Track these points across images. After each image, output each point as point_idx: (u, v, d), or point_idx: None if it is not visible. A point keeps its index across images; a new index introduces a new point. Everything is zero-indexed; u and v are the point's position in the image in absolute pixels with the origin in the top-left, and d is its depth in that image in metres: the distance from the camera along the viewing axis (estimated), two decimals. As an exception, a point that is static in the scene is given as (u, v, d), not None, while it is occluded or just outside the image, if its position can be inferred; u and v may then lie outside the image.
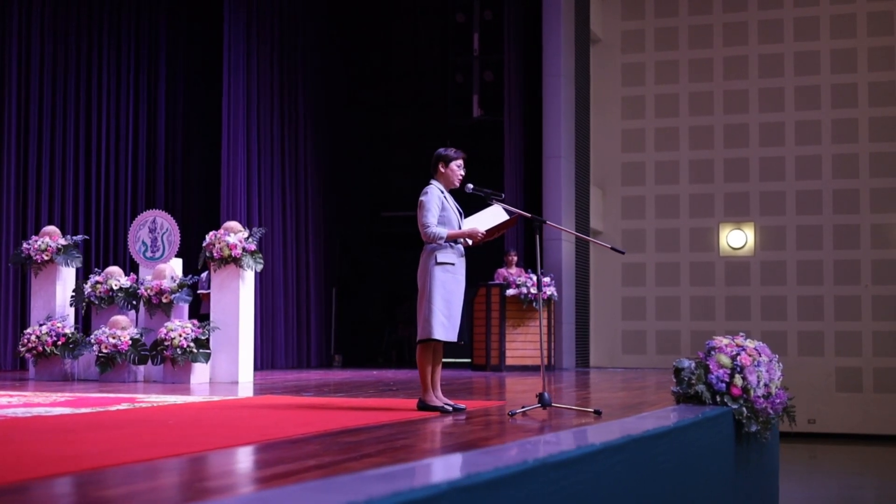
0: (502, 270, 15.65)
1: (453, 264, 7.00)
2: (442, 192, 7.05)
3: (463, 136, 19.62)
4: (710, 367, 5.52)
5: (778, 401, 6.16)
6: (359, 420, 6.23)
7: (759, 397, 5.57)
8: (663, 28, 20.35)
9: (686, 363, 5.67)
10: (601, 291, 20.21)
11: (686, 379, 5.54)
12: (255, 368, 15.46)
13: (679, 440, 4.53)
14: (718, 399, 5.45)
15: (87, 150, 15.82)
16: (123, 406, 7.18)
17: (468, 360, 16.30)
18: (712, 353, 5.64)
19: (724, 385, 5.45)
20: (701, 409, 5.31)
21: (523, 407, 6.86)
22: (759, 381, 5.69)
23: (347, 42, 19.62)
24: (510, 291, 15.20)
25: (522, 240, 16.88)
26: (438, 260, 6.95)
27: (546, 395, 6.83)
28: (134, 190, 16.34)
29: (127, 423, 5.87)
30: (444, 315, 6.92)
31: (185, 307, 11.57)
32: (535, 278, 15.09)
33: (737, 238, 19.74)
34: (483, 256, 18.04)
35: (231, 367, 11.39)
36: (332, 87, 18.69)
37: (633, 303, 20.23)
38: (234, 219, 14.94)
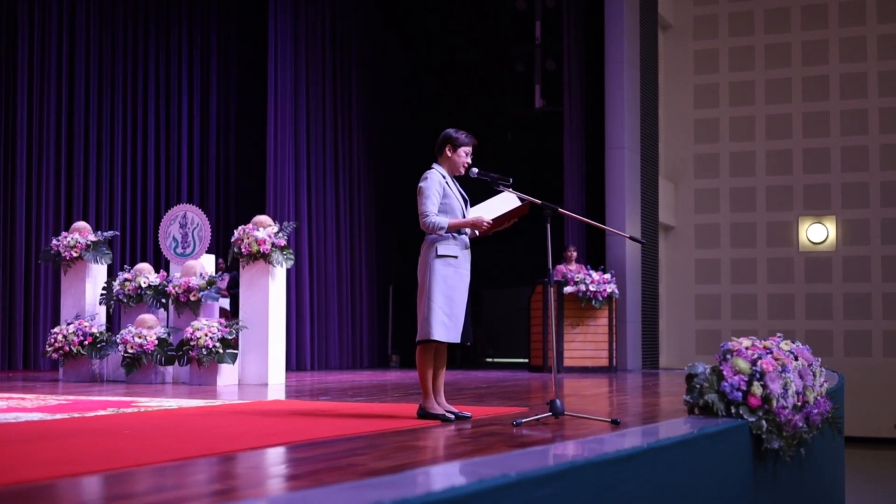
0: (561, 267, 14.91)
1: (456, 257, 6.31)
2: (444, 178, 6.37)
3: (524, 128, 18.92)
4: (725, 373, 4.76)
5: (816, 411, 5.37)
6: (346, 429, 5.60)
7: (783, 408, 4.79)
8: (738, 12, 19.37)
9: (700, 368, 4.91)
10: (673, 289, 19.32)
11: (697, 387, 4.79)
12: (308, 369, 15.03)
13: (670, 458, 3.81)
14: (733, 410, 4.69)
15: (132, 144, 15.50)
16: (102, 412, 6.65)
17: (526, 361, 15.59)
18: (728, 356, 4.88)
19: (739, 394, 4.69)
20: (711, 422, 4.56)
21: (536, 416, 6.16)
22: (786, 390, 4.91)
23: (402, 32, 19.01)
24: (567, 289, 14.45)
25: (584, 234, 16.11)
26: (439, 252, 6.28)
27: (558, 402, 6.12)
28: (178, 186, 15.97)
29: (76, 432, 5.31)
30: (446, 313, 6.25)
31: (215, 305, 11.06)
32: (594, 275, 14.37)
33: (817, 232, 18.69)
34: (541, 252, 17.31)
35: (260, 368, 10.85)
36: (387, 78, 18.10)
37: (707, 301, 19.30)
38: (282, 216, 14.47)
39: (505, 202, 6.45)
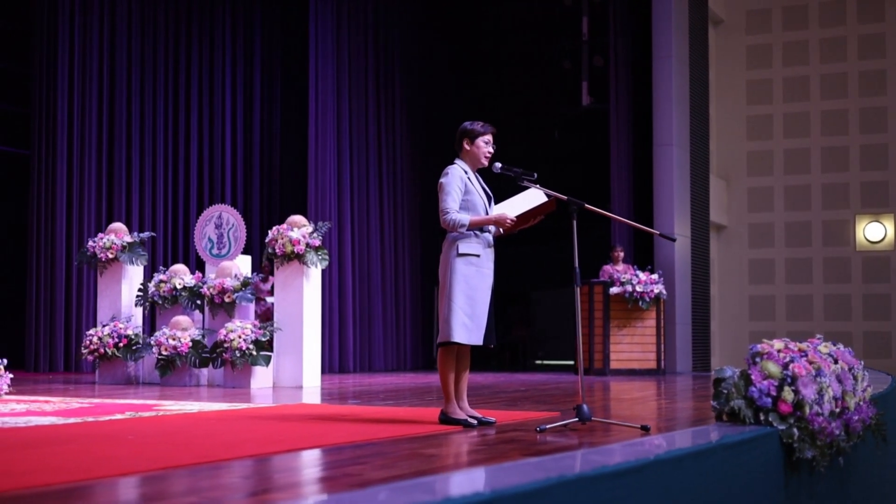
0: (608, 267, 14.58)
1: (478, 256, 6.05)
2: (466, 173, 6.11)
3: (571, 126, 18.59)
4: (753, 377, 4.44)
5: (857, 417, 5.04)
6: (360, 435, 5.37)
7: (817, 415, 4.46)
8: (792, 6, 18.87)
9: (729, 372, 4.60)
10: (725, 290, 18.89)
11: (724, 392, 4.48)
12: (351, 371, 14.84)
13: (681, 470, 3.52)
14: (762, 417, 4.37)
15: (174, 144, 15.42)
16: (118, 416, 6.47)
17: (571, 363, 15.26)
18: (757, 360, 4.56)
19: (769, 400, 4.37)
20: (736, 430, 4.25)
21: (562, 422, 5.89)
22: (822, 396, 4.58)
23: (447, 30, 18.75)
24: (614, 289, 14.12)
25: (632, 234, 15.75)
26: (460, 251, 6.02)
27: (585, 408, 5.85)
28: (221, 186, 15.86)
29: (74, 438, 5.12)
30: (467, 315, 5.98)
31: (250, 307, 10.88)
32: (641, 275, 14.03)
33: (875, 231, 18.15)
34: (589, 252, 16.95)
35: (295, 370, 10.66)
36: (431, 77, 17.85)
37: (761, 302, 18.83)
38: (324, 216, 14.30)
39: (530, 198, 6.17)
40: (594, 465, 3.21)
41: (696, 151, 16.53)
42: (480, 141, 6.16)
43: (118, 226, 11.81)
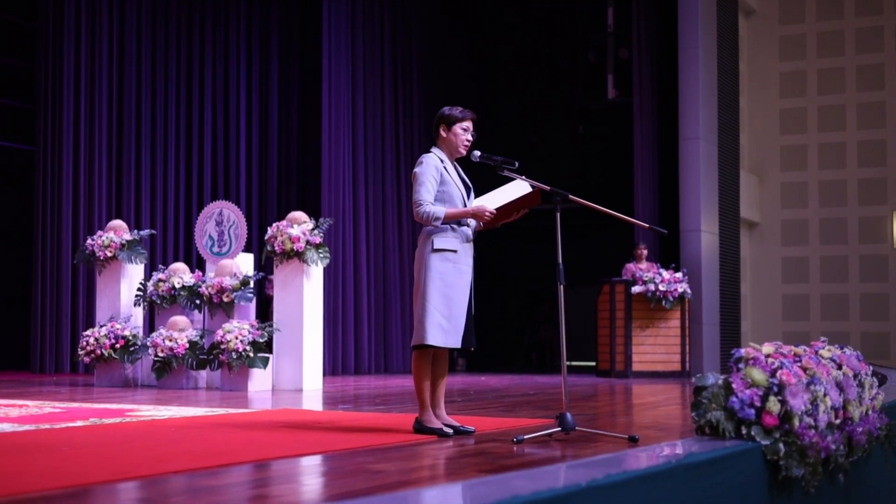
0: (631, 265, 14.07)
1: (455, 251, 5.61)
2: (442, 162, 5.66)
3: (597, 120, 18.08)
4: (735, 385, 3.95)
5: (861, 429, 4.54)
6: (319, 446, 4.96)
7: (808, 428, 3.97)
8: (826, -5, 18.25)
9: (712, 379, 4.11)
10: (757, 289, 18.29)
11: (704, 402, 3.99)
12: (366, 373, 14.43)
13: (649, 491, 3.06)
14: (744, 431, 3.88)
15: (186, 139, 15.08)
16: (79, 423, 6.08)
17: (593, 364, 14.77)
18: (741, 366, 4.08)
19: (752, 411, 3.87)
20: (712, 445, 3.77)
21: (541, 432, 5.43)
22: (816, 406, 4.09)
23: (466, 24, 18.25)
24: (636, 289, 13.60)
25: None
26: (436, 246, 5.58)
27: (569, 416, 5.38)
28: (236, 184, 15.50)
29: (12, 447, 4.73)
30: (443, 315, 5.54)
31: (249, 307, 10.48)
32: (664, 274, 13.52)
33: (913, 228, 17.49)
34: (610, 250, 16.45)
35: (295, 373, 10.26)
36: (450, 71, 17.37)
37: (795, 301, 18.22)
38: (338, 213, 13.92)
39: (513, 190, 5.71)
40: (538, 486, 2.76)
41: (724, 145, 15.95)
42: (458, 127, 5.71)
43: (117, 223, 11.46)
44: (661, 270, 13.66)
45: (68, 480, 3.69)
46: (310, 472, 4.11)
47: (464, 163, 5.85)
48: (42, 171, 13.54)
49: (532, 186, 5.67)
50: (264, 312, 12.86)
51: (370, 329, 14.82)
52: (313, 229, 10.26)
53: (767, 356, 4.15)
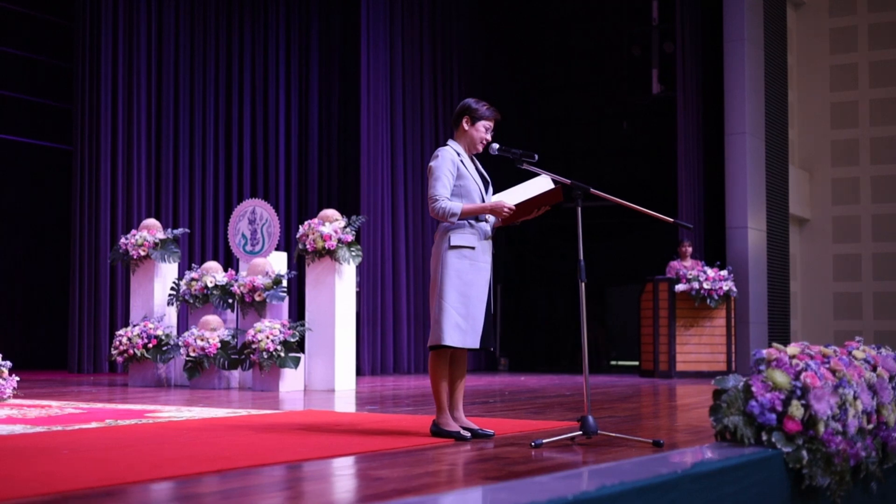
0: (675, 263, 13.77)
1: (473, 248, 5.40)
2: (459, 155, 5.46)
3: (641, 115, 17.77)
4: (755, 389, 3.71)
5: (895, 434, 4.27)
6: (331, 449, 4.79)
7: (835, 434, 3.72)
8: (878, -15, 17.78)
9: (732, 381, 3.87)
10: (808, 287, 17.87)
11: (723, 406, 3.76)
12: (405, 372, 14.25)
13: (658, 501, 2.84)
14: (764, 437, 3.64)
15: (226, 138, 15.01)
16: (94, 425, 5.96)
17: (636, 364, 14.49)
18: (762, 368, 3.83)
19: (773, 416, 3.63)
20: (731, 453, 3.53)
21: (562, 435, 5.21)
22: (844, 410, 3.84)
23: (507, 19, 17.99)
24: (679, 287, 13.29)
25: (702, 228, 14.88)
26: (452, 243, 5.38)
27: (591, 419, 5.15)
28: (276, 182, 15.41)
29: (7, 452, 4.60)
30: (460, 314, 5.34)
31: (282, 306, 10.34)
32: (709, 272, 13.21)
33: (970, 224, 16.99)
34: (654, 248, 16.12)
35: (327, 373, 10.11)
36: (491, 66, 17.13)
37: (847, 300, 17.77)
38: (376, 211, 13.76)
39: (536, 186, 5.49)
40: (518, 499, 2.55)
41: (772, 140, 15.57)
42: (481, 125, 5.51)
43: (151, 222, 11.38)
44: (706, 268, 13.35)
45: (50, 487, 3.54)
46: (304, 479, 3.93)
47: (484, 156, 5.65)
48: (80, 170, 13.50)
49: (554, 182, 5.45)
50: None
51: (409, 328, 14.64)
52: (345, 227, 10.10)
53: (792, 357, 3.90)
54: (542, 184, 5.46)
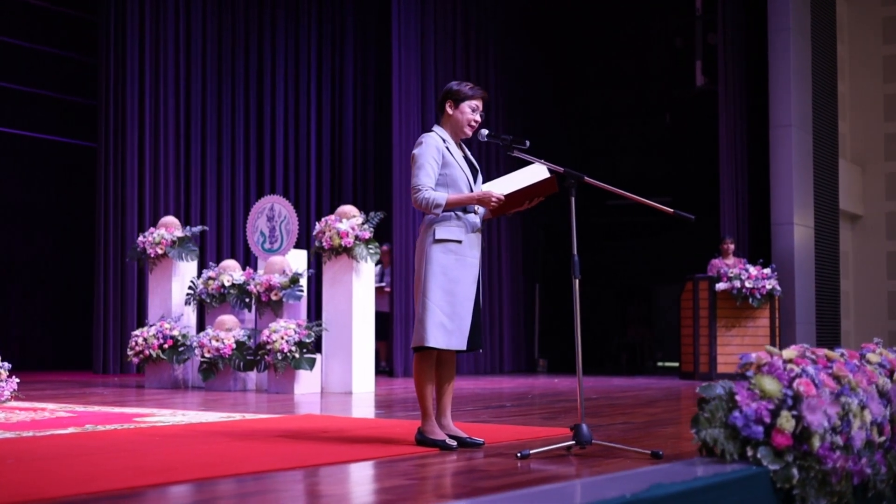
0: (716, 261, 13.25)
1: (459, 242, 5.01)
2: (444, 142, 5.06)
3: (685, 109, 17.24)
4: (739, 398, 3.28)
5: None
6: (301, 459, 4.43)
7: (832, 449, 3.28)
8: (934, -28, 17.09)
9: (720, 389, 3.44)
10: (861, 286, 17.22)
11: (705, 417, 3.33)
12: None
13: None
14: (750, 453, 3.21)
15: (257, 134, 14.75)
16: (70, 430, 5.66)
17: (677, 365, 13.98)
18: (750, 373, 3.40)
19: (759, 429, 3.20)
20: (712, 470, 3.11)
21: (553, 445, 4.80)
22: (847, 421, 3.39)
23: (546, 12, 17.51)
24: (720, 286, 12.77)
25: (746, 224, 14.33)
26: (437, 236, 4.99)
27: (584, 428, 4.74)
28: (307, 179, 15.11)
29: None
30: (445, 313, 4.95)
31: (299, 305, 10.01)
32: (751, 270, 12.68)
33: None
34: (696, 245, 15.56)
35: (344, 375, 9.77)
36: (528, 61, 16.66)
37: (902, 299, 17.10)
38: (408, 210, 13.39)
39: (529, 175, 5.08)
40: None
41: (820, 133, 14.97)
42: (466, 106, 5.11)
43: (169, 219, 11.11)
44: (748, 266, 12.81)
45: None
46: (224, 497, 3.56)
47: (488, 147, 5.26)
48: (104, 167, 13.30)
49: (549, 171, 5.04)
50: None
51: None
52: (363, 224, 9.76)
53: (788, 362, 3.46)
54: (535, 172, 5.06)
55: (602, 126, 18.73)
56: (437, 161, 4.99)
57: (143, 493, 3.53)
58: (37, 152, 14.22)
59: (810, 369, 3.46)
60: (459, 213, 5.01)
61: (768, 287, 12.64)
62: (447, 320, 4.94)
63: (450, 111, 5.12)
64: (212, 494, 3.59)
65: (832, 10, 15.83)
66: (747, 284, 12.62)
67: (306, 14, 15.31)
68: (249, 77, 14.68)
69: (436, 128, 5.14)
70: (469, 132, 5.14)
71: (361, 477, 4.06)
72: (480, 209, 5.11)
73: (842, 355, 3.79)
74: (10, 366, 8.01)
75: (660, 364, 19.51)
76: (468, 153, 5.22)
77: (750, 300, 12.65)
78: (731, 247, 13.35)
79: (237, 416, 6.80)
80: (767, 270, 12.73)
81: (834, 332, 15.22)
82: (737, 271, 12.73)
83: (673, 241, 17.81)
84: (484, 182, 5.19)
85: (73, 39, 14.50)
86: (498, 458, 4.66)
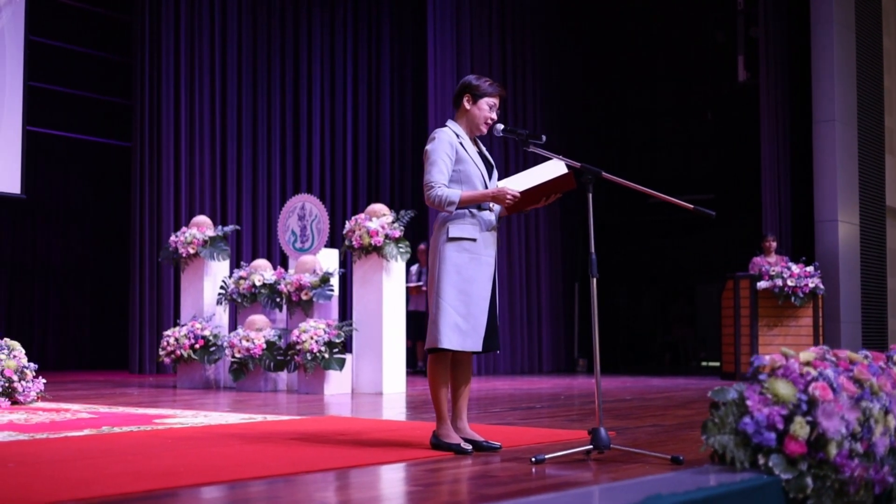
0: (758, 259, 12.98)
1: (474, 240, 4.86)
2: (458, 137, 4.92)
3: (727, 105, 16.96)
4: (750, 403, 3.11)
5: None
6: (320, 462, 4.30)
7: (850, 457, 3.10)
8: (984, -38, 16.64)
9: (733, 393, 3.28)
10: (909, 283, 16.80)
11: (710, 423, 3.17)
12: (475, 374, 13.72)
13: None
14: (761, 461, 3.04)
15: (294, 134, 14.71)
16: (84, 432, 5.58)
17: (718, 365, 13.73)
18: (762, 377, 3.23)
19: (772, 436, 3.03)
20: (726, 478, 2.95)
21: (571, 449, 4.65)
22: (869, 429, 3.22)
23: (584, 8, 17.28)
24: (761, 284, 12.52)
25: (788, 221, 14.05)
26: (451, 234, 4.85)
27: (602, 432, 4.58)
28: (343, 178, 15.03)
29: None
30: (460, 314, 4.81)
31: (330, 305, 9.90)
32: (793, 268, 12.41)
33: None
34: (741, 243, 15.27)
35: (374, 375, 9.66)
36: (567, 59, 16.46)
37: (953, 297, 16.65)
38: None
39: (546, 171, 4.92)
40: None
41: (865, 128, 14.65)
42: (484, 102, 4.97)
43: (201, 219, 11.07)
44: (790, 264, 12.55)
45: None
46: (241, 500, 3.45)
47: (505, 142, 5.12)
48: (139, 167, 13.29)
49: (566, 167, 4.88)
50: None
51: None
52: (393, 222, 9.64)
53: (805, 364, 3.29)
54: (552, 168, 4.90)
55: (643, 124, 18.50)
56: (451, 157, 4.86)
57: (124, 501, 3.43)
58: (72, 152, 14.26)
59: (828, 372, 3.29)
60: (474, 211, 4.87)
61: (811, 285, 12.38)
62: (462, 321, 4.80)
63: (467, 106, 4.98)
64: (216, 497, 3.49)
65: (878, 2, 15.48)
66: (789, 283, 12.37)
67: (342, 12, 15.22)
68: (286, 75, 14.63)
69: (450, 122, 5.01)
70: (485, 129, 5.00)
71: (362, 483, 3.93)
72: (496, 206, 4.96)
73: (865, 357, 3.61)
74: (37, 366, 7.98)
75: (703, 364, 19.23)
76: (483, 149, 5.08)
77: (792, 299, 12.39)
78: (774, 244, 13.09)
79: (259, 418, 6.70)
80: (810, 268, 12.47)
81: (880, 331, 14.89)
82: (778, 269, 12.48)
83: (718, 238, 17.56)
84: (500, 179, 5.04)
85: (108, 39, 14.52)
86: (513, 462, 4.51)
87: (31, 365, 7.89)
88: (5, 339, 8.02)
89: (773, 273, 12.47)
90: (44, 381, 8.01)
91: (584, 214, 16.73)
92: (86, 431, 5.67)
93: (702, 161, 17.70)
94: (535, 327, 15.10)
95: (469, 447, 4.81)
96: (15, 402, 7.65)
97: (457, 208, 4.80)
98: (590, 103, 17.44)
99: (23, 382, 7.70)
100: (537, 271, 15.20)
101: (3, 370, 7.60)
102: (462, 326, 4.81)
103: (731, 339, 12.95)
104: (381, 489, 3.83)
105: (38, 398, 7.87)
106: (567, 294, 16.13)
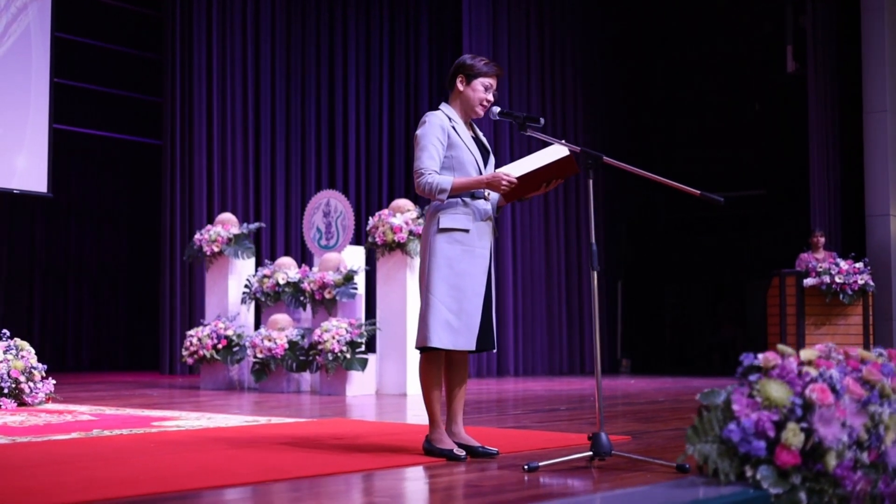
0: (806, 255, 12.49)
1: (467, 231, 4.53)
2: (451, 121, 4.59)
3: (775, 96, 16.45)
4: (736, 407, 2.75)
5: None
6: (306, 468, 4.01)
7: (853, 469, 2.73)
8: None
9: (723, 396, 2.92)
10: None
11: (692, 431, 2.81)
12: (511, 375, 13.43)
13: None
14: (748, 473, 2.68)
15: (329, 131, 14.45)
16: (80, 435, 5.34)
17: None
18: (753, 378, 2.86)
19: (761, 444, 2.67)
20: (711, 492, 2.60)
21: (570, 456, 4.30)
22: (877, 436, 2.84)
23: (628, 2, 16.86)
24: (808, 281, 12.03)
25: (837, 216, 13.54)
26: (442, 225, 4.53)
27: (604, 437, 4.22)
28: (377, 175, 14.77)
29: None
30: (451, 310, 4.48)
31: (354, 303, 9.61)
32: (841, 264, 11.91)
33: None
34: (793, 239, 14.73)
35: (399, 376, 9.36)
36: (609, 49, 16.05)
37: None
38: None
39: (547, 155, 4.57)
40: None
41: (920, 119, 14.09)
42: (479, 83, 4.63)
43: (227, 216, 10.84)
44: (839, 260, 12.05)
45: None
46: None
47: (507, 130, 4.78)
48: (170, 165, 13.12)
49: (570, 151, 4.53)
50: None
51: (515, 329, 13.73)
52: (417, 218, 9.34)
53: (806, 363, 2.92)
54: (553, 153, 4.55)
55: (690, 116, 18.01)
56: (442, 142, 4.53)
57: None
58: (104, 150, 14.15)
59: (833, 373, 2.92)
60: (467, 199, 4.54)
61: (860, 282, 11.87)
62: (453, 318, 4.47)
63: (460, 87, 4.65)
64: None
65: (932, -12, 14.89)
66: (837, 280, 11.87)
67: (377, 6, 14.94)
68: (321, 71, 14.39)
69: (443, 105, 4.68)
70: (480, 112, 4.66)
71: (331, 493, 3.62)
72: (493, 195, 4.63)
73: (880, 356, 3.23)
74: (46, 367, 7.79)
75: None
76: (479, 133, 4.75)
77: (840, 296, 11.89)
78: (822, 240, 12.58)
79: (263, 420, 6.43)
80: (859, 265, 11.96)
81: (936, 330, 14.30)
82: (826, 266, 11.99)
83: (767, 234, 17.07)
84: (497, 166, 4.69)
85: (139, 36, 14.38)
86: (506, 470, 4.18)
87: (41, 366, 7.71)
88: (15, 339, 7.83)
89: (821, 270, 11.98)
90: (53, 382, 7.82)
91: (626, 213, 16.45)
92: (73, 435, 5.43)
93: (751, 156, 17.20)
94: (575, 327, 14.71)
95: (462, 453, 4.48)
96: (22, 404, 7.46)
97: (449, 196, 4.48)
98: (635, 97, 17.02)
99: (30, 384, 7.50)
100: (578, 269, 14.81)
101: (9, 371, 7.41)
102: (453, 324, 4.48)
103: (776, 339, 12.47)
104: (340, 501, 3.51)
105: (46, 399, 7.68)
106: (609, 293, 15.72)
